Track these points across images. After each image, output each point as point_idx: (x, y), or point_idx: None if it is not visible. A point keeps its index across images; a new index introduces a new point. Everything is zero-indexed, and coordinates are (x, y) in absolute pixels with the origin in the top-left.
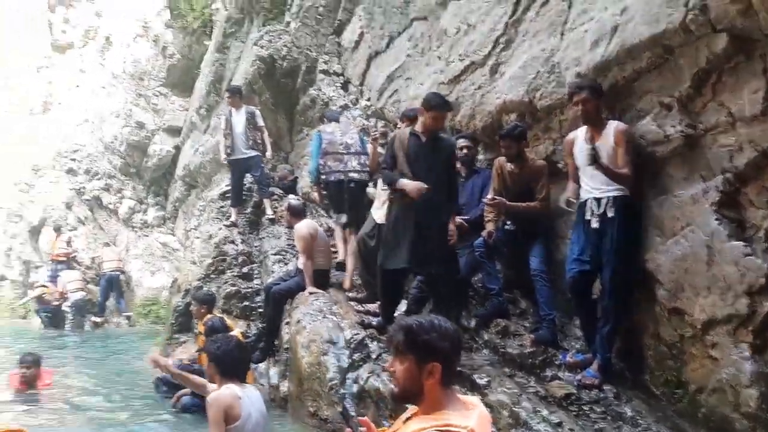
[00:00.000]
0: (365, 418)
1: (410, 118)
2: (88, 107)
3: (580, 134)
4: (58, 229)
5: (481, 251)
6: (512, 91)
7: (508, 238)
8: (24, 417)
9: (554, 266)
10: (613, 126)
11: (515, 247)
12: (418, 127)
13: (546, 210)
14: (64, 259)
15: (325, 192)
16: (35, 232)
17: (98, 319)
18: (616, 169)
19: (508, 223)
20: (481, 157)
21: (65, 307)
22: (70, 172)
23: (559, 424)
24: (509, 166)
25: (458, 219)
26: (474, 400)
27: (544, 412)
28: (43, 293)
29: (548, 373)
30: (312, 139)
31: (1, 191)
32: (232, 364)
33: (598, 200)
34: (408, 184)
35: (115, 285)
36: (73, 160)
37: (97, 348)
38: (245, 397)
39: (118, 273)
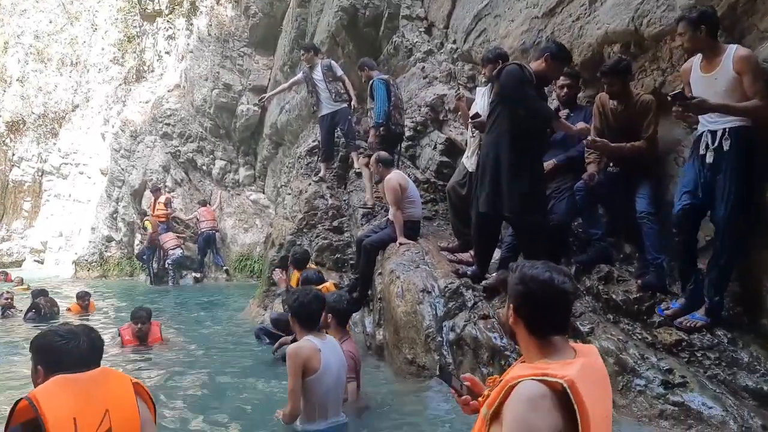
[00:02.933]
0: (469, 374)
1: (492, 61)
2: (178, 72)
3: (696, 61)
4: (156, 191)
5: (582, 194)
6: (615, 20)
7: (611, 180)
8: (138, 373)
9: (663, 207)
10: (732, 51)
11: (619, 189)
12: (533, 66)
13: (653, 150)
14: (164, 219)
15: (381, 137)
16: (137, 194)
17: (198, 275)
18: (733, 103)
19: (611, 165)
20: (581, 94)
21: (167, 263)
22: (165, 136)
23: (670, 371)
24: (612, 103)
25: (553, 161)
26: (584, 348)
27: (653, 359)
28: (147, 227)
29: (656, 319)
30: (374, 84)
31: (105, 157)
32: (310, 316)
33: (713, 132)
34: (573, 128)
35: (211, 242)
36: (168, 124)
37: (199, 301)
38: (325, 349)
39: (213, 232)
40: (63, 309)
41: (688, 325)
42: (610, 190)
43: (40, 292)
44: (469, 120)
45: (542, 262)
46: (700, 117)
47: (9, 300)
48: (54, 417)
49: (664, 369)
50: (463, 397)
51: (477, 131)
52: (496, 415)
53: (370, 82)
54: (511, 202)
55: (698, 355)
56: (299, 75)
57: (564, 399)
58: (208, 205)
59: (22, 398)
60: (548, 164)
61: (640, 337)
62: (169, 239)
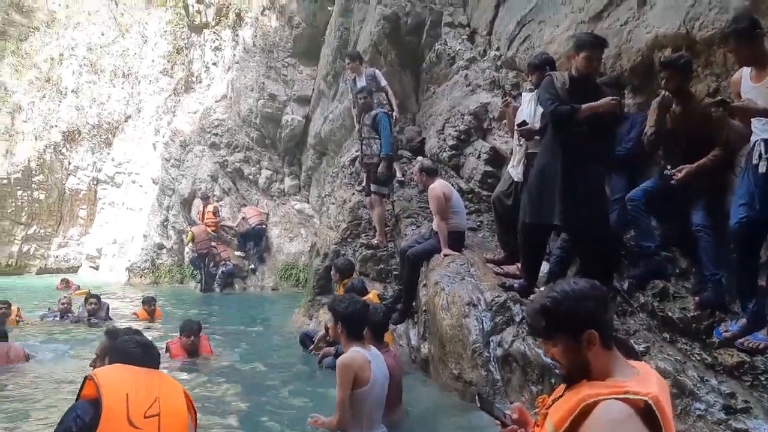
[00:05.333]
0: (518, 404)
1: (539, 68)
2: (224, 83)
3: (746, 72)
4: (205, 198)
5: (634, 205)
6: (665, 23)
7: (666, 186)
8: (183, 382)
9: (721, 220)
10: None
11: (675, 199)
12: (573, 71)
13: (725, 159)
14: (214, 228)
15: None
16: (186, 203)
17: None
18: None
19: (668, 167)
20: (630, 101)
21: (219, 271)
22: (213, 146)
23: (731, 395)
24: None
25: None
26: (643, 365)
27: (713, 382)
28: (192, 238)
29: (715, 339)
30: (378, 116)
31: (156, 166)
32: (358, 324)
33: (766, 141)
34: (597, 104)
35: (257, 236)
36: (215, 134)
37: (245, 310)
38: (373, 360)
39: (263, 226)
40: (129, 313)
41: (750, 346)
42: (666, 199)
43: (92, 296)
44: (516, 127)
45: (558, 283)
46: (753, 126)
47: (66, 305)
48: (109, 389)
49: (726, 393)
50: (509, 428)
51: (524, 140)
52: None
53: (374, 114)
54: (565, 214)
55: (762, 378)
56: (348, 86)
57: (646, 416)
58: (250, 205)
59: (86, 377)
60: None
61: (699, 357)
62: (222, 249)
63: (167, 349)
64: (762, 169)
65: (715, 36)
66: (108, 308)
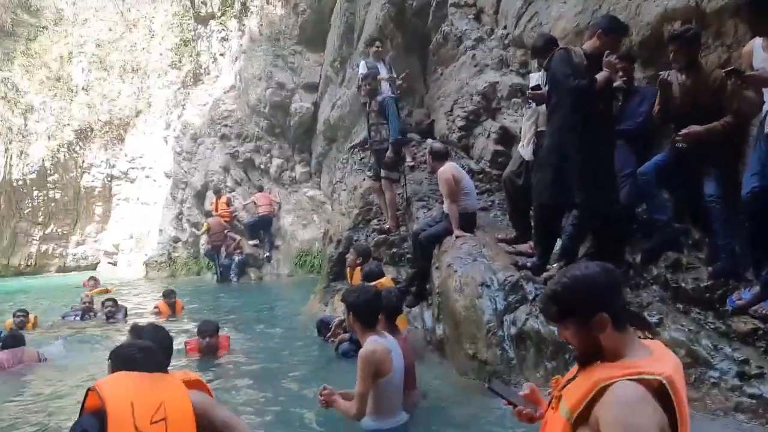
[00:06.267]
0: (529, 383)
1: (545, 50)
2: (232, 73)
3: (758, 42)
4: (218, 192)
5: (646, 179)
6: None
7: (678, 158)
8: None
9: (733, 190)
10: None
11: (687, 171)
12: (586, 47)
13: (736, 128)
14: (228, 218)
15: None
16: (200, 196)
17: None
18: None
19: (679, 139)
20: (640, 75)
21: (233, 261)
22: (224, 137)
23: (746, 361)
24: (679, 77)
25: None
26: (658, 344)
27: (727, 349)
28: (208, 229)
29: (729, 307)
30: (386, 101)
31: (168, 160)
32: (371, 313)
33: None
34: (605, 72)
35: (265, 225)
36: (225, 125)
37: (262, 298)
38: (393, 349)
39: (271, 216)
40: (150, 308)
41: (763, 312)
42: (676, 169)
43: (108, 299)
44: (528, 91)
45: (568, 268)
46: (766, 96)
47: (88, 304)
48: (113, 399)
49: (740, 360)
50: (518, 408)
51: (533, 116)
52: (583, 418)
53: (381, 98)
54: (585, 190)
55: None
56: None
57: (660, 396)
58: (265, 191)
59: (89, 389)
60: None
61: (712, 326)
62: (236, 239)
63: (185, 349)
64: None
65: (727, 7)
66: (126, 311)
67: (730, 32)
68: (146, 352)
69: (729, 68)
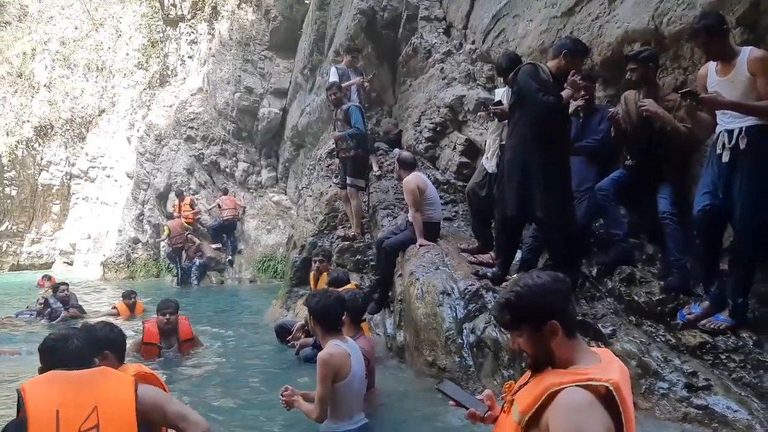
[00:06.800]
0: (489, 392)
1: (509, 69)
2: (200, 76)
3: (712, 66)
4: (180, 194)
5: (604, 194)
6: (635, 18)
7: (630, 176)
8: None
9: (685, 208)
10: (746, 54)
11: (640, 188)
12: (551, 65)
13: (691, 143)
14: (191, 221)
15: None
16: (162, 197)
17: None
18: (748, 101)
19: (628, 158)
20: (601, 93)
21: (194, 264)
22: (189, 139)
23: (694, 374)
24: (637, 96)
25: None
26: (606, 352)
27: (676, 362)
28: (168, 232)
29: (679, 321)
30: (350, 109)
31: (131, 160)
32: (332, 318)
33: (730, 132)
34: (569, 91)
35: (229, 228)
36: (191, 128)
37: (223, 302)
38: (352, 353)
39: (234, 219)
40: (108, 308)
41: (712, 327)
42: (632, 188)
43: (61, 283)
44: (490, 106)
45: (523, 276)
46: (718, 118)
47: (44, 305)
48: (36, 407)
49: (688, 372)
50: (470, 411)
51: (498, 130)
52: (534, 422)
53: (346, 107)
54: (546, 205)
55: (723, 357)
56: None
57: (607, 401)
58: (230, 195)
59: (18, 390)
60: None
61: (663, 339)
62: (197, 242)
63: (144, 330)
64: (725, 158)
65: (683, 31)
66: (75, 297)
67: (687, 55)
68: (81, 343)
69: (685, 89)
